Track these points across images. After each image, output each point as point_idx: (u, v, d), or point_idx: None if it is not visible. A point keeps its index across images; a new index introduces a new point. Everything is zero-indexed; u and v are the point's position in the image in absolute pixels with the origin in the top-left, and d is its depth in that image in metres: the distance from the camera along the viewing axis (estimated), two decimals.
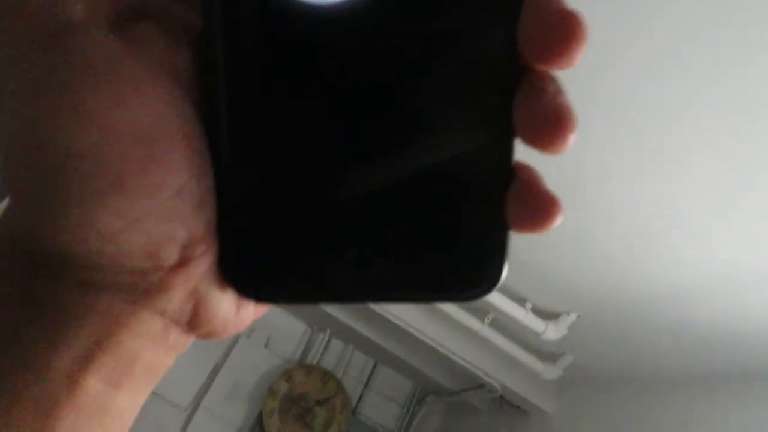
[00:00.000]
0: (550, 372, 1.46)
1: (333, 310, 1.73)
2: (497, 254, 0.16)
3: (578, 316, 1.29)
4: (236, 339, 1.82)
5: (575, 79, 0.76)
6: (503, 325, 1.41)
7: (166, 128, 0.15)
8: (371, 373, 2.06)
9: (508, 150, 0.16)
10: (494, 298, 1.26)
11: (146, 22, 0.16)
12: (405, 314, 1.45)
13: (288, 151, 0.16)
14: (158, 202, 0.15)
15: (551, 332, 1.29)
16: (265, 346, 1.90)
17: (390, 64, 0.15)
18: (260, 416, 1.84)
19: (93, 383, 0.16)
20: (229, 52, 0.15)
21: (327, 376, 1.93)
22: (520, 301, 1.31)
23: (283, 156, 0.16)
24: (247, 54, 0.15)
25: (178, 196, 0.15)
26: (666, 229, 0.91)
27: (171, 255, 0.16)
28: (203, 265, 0.16)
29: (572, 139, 0.15)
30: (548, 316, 1.32)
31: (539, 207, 0.16)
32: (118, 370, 0.16)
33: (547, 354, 1.47)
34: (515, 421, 1.72)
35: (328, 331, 2.02)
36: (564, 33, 0.14)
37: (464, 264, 0.16)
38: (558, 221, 0.16)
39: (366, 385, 2.04)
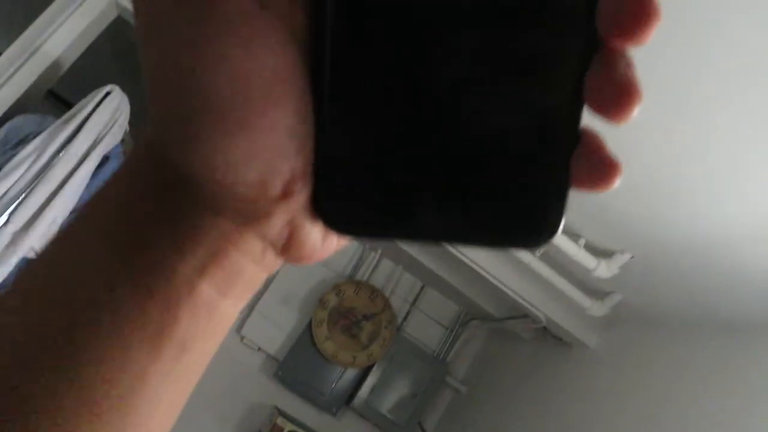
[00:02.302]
0: (596, 309, 1.46)
1: None
2: (558, 208, 0.18)
3: (632, 257, 1.27)
4: None
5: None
6: (554, 258, 1.40)
7: (284, 76, 0.18)
8: (418, 294, 2.12)
9: (577, 114, 0.18)
10: None
11: None
12: None
13: (378, 104, 0.19)
14: (273, 140, 0.18)
15: (603, 270, 1.28)
16: None
17: (477, 28, 0.18)
18: (310, 324, 1.93)
19: (206, 289, 0.19)
20: (336, 14, 0.18)
21: (375, 293, 1.99)
22: (574, 236, 1.30)
23: (373, 108, 0.19)
24: (351, 18, 0.18)
25: (288, 136, 0.18)
26: (733, 172, 0.87)
27: (276, 188, 0.18)
28: (301, 199, 0.19)
29: (637, 110, 0.17)
30: (601, 254, 1.30)
31: (602, 168, 0.18)
32: (225, 281, 0.20)
33: (595, 291, 1.46)
34: (557, 352, 1.74)
35: (380, 250, 2.07)
36: (639, 14, 0.16)
37: (528, 215, 0.19)
38: (617, 183, 0.17)
39: (413, 304, 2.10)
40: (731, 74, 0.73)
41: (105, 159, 1.22)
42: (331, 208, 0.19)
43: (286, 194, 0.19)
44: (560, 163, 0.18)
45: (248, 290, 0.21)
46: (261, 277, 0.21)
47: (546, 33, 0.18)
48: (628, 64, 0.17)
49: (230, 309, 0.21)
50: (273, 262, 0.21)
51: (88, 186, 1.19)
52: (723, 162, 0.87)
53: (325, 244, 0.21)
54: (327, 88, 0.18)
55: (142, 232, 0.19)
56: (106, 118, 1.19)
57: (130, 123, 1.27)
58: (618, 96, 0.17)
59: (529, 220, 0.19)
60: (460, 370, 2.11)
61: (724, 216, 0.96)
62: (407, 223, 0.19)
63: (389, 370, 1.97)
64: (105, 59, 1.41)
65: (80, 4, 1.24)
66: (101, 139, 1.19)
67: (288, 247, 0.20)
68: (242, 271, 0.20)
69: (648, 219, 1.11)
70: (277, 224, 0.19)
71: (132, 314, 0.18)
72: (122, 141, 1.28)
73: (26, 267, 0.20)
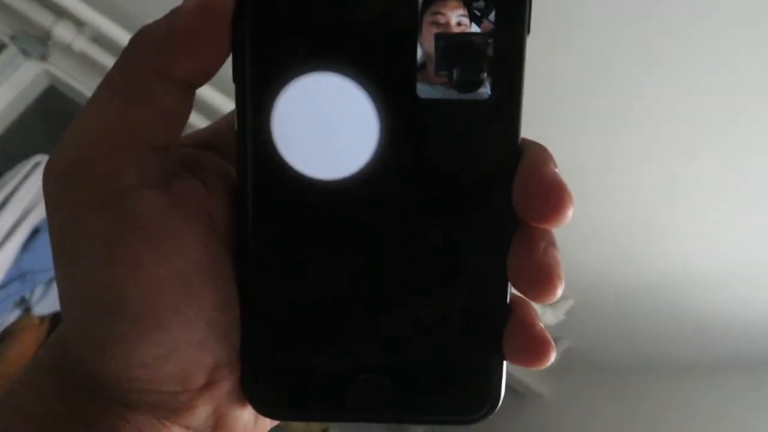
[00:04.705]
0: None
1: None
2: (495, 382, 0.19)
3: (576, 302, 1.29)
4: None
5: (578, 63, 0.75)
6: None
7: (202, 270, 0.17)
8: None
9: (504, 293, 0.18)
10: None
11: (189, 176, 0.18)
12: None
13: (304, 287, 0.19)
14: (191, 334, 0.17)
15: (549, 317, 1.30)
16: None
17: (397, 219, 0.18)
18: None
19: None
20: (257, 203, 0.18)
21: None
22: None
23: (299, 291, 0.19)
24: (271, 206, 0.18)
25: (207, 327, 0.17)
26: (667, 218, 0.91)
27: (200, 379, 0.18)
28: (226, 387, 0.18)
29: (559, 292, 0.17)
30: None
31: (532, 347, 0.18)
32: None
33: None
34: (511, 404, 1.73)
35: None
36: (551, 202, 0.17)
37: (467, 391, 0.19)
38: (550, 361, 0.18)
39: None
40: (673, 121, 0.77)
41: (35, 231, 1.17)
42: (261, 393, 0.19)
43: (210, 384, 0.18)
44: (492, 340, 0.18)
45: None
46: None
47: (462, 215, 0.18)
48: (549, 245, 0.17)
49: None
50: None
51: (17, 260, 1.13)
52: (664, 207, 0.91)
53: (257, 425, 0.20)
54: (250, 273, 0.18)
55: None
56: (36, 189, 1.14)
57: None
58: (538, 281, 0.17)
59: (466, 396, 0.19)
60: (418, 427, 2.06)
61: (663, 261, 1.00)
62: (341, 405, 0.19)
63: None
64: (35, 129, 1.37)
65: (10, 74, 1.20)
66: (30, 211, 1.14)
67: None
68: None
69: (588, 264, 1.14)
70: (202, 414, 0.18)
71: None
72: None
73: None
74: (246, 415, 0.19)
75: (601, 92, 0.76)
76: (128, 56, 0.17)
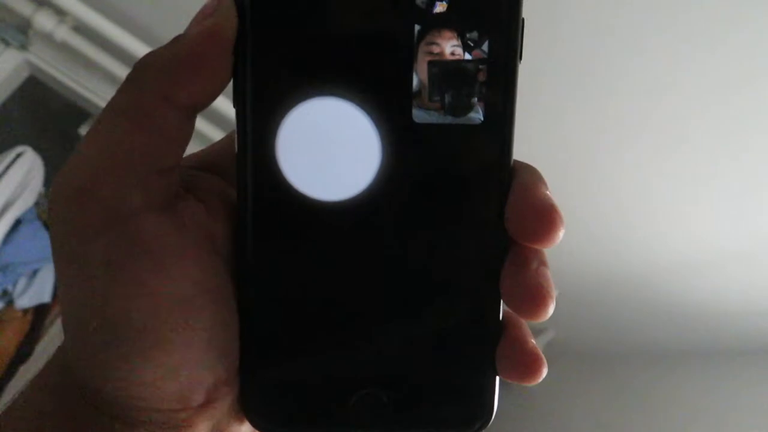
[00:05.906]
0: None
1: None
2: (488, 398, 0.20)
3: (559, 293, 1.30)
4: None
5: (562, 56, 0.75)
6: None
7: (203, 290, 0.18)
8: None
9: (497, 311, 0.19)
10: None
11: (192, 198, 0.19)
12: None
13: (302, 307, 0.19)
14: (192, 353, 0.17)
15: None
16: None
17: (394, 239, 0.19)
18: None
19: None
20: (258, 223, 0.19)
21: None
22: None
23: (298, 310, 0.19)
24: (272, 226, 0.19)
25: (207, 347, 0.18)
26: (648, 209, 0.92)
27: (199, 398, 0.18)
28: (225, 405, 0.19)
29: (550, 311, 0.17)
30: None
31: (524, 364, 0.19)
32: None
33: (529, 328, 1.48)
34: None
35: None
36: (543, 223, 0.17)
37: (461, 406, 0.20)
38: (541, 377, 0.18)
39: None
40: (652, 116, 0.78)
41: (17, 223, 1.15)
42: (259, 410, 0.19)
43: (209, 402, 0.18)
44: (486, 357, 0.19)
45: None
46: None
47: (456, 236, 0.19)
48: (540, 264, 0.18)
49: None
50: None
51: None
52: (645, 199, 0.92)
53: None
54: (250, 292, 0.19)
55: None
56: (17, 181, 1.13)
57: (46, 185, 1.21)
58: (530, 300, 0.18)
59: (460, 411, 0.20)
60: None
61: (644, 251, 1.01)
62: (338, 420, 0.19)
63: None
64: (16, 120, 1.35)
65: None
66: (12, 203, 1.12)
67: None
68: None
69: (570, 256, 1.15)
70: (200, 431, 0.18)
71: None
72: (36, 204, 1.21)
73: None
74: (244, 431, 0.20)
75: (584, 87, 0.77)
76: (133, 81, 0.18)
